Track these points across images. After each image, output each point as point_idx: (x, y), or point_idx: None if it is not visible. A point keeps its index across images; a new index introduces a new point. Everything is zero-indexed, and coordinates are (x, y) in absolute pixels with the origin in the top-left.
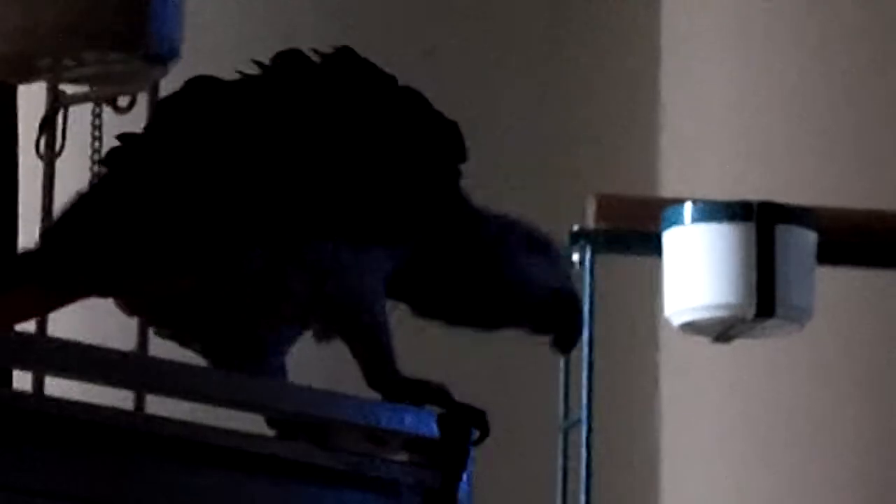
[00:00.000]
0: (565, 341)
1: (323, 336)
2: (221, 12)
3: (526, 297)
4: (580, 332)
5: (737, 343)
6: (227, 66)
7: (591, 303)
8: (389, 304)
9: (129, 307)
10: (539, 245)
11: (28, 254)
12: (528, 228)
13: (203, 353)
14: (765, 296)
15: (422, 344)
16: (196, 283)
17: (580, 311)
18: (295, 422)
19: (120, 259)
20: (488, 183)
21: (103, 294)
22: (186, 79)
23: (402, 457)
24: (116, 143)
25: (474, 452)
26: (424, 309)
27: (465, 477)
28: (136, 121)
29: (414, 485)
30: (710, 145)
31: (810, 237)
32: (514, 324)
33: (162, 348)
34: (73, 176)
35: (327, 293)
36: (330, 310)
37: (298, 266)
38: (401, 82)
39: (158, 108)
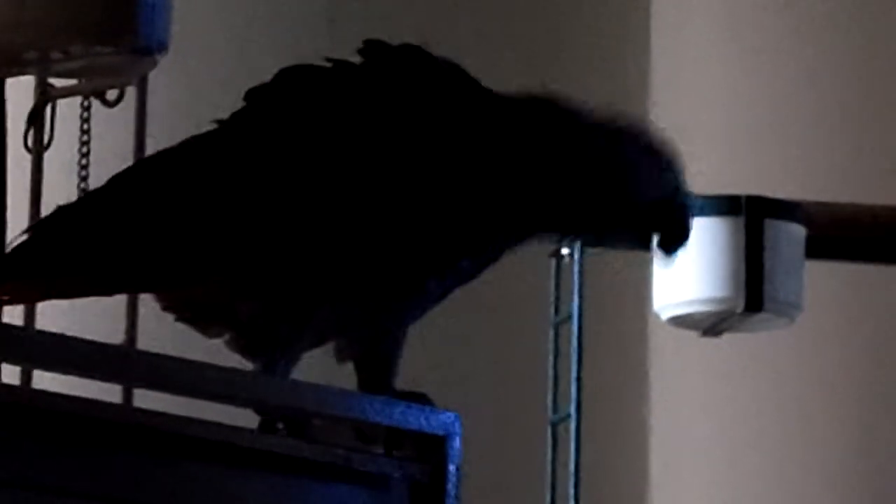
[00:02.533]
0: (669, 244)
1: (345, 357)
2: (209, 5)
3: (635, 203)
4: (685, 238)
5: (726, 337)
6: (216, 58)
7: (581, 297)
8: None
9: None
10: (650, 151)
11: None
12: (641, 135)
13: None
14: (753, 290)
15: (412, 340)
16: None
17: (686, 218)
18: (279, 414)
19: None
20: None
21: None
22: (178, 72)
23: (379, 450)
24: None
25: (462, 447)
26: (534, 220)
27: (453, 471)
28: (124, 114)
29: (402, 478)
30: (698, 140)
31: (799, 232)
32: (624, 227)
33: (150, 342)
34: (62, 169)
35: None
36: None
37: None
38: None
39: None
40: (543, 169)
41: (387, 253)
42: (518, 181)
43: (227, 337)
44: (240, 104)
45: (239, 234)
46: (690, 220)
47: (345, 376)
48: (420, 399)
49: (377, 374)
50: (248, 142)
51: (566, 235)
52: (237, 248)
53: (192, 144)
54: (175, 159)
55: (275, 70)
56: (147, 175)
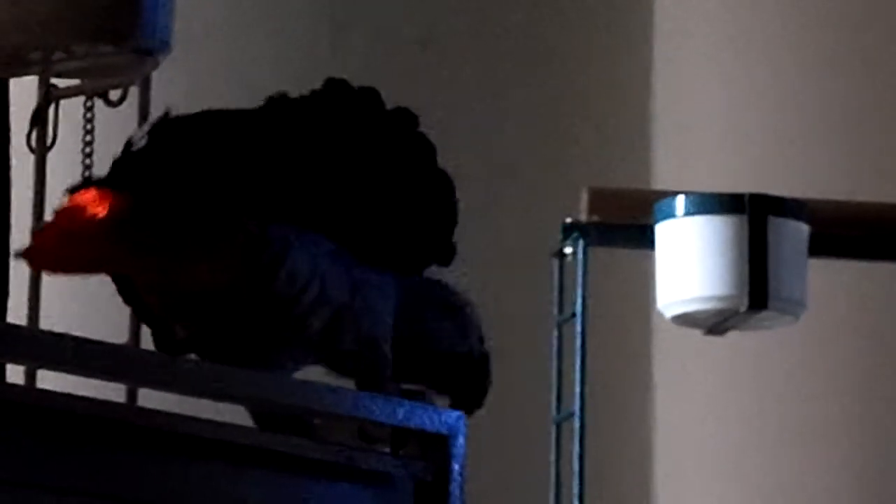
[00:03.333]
0: (464, 403)
1: (338, 369)
2: (212, 4)
3: (428, 359)
4: (480, 400)
5: (730, 335)
6: (218, 58)
7: (584, 296)
8: None
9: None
10: (450, 309)
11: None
12: (443, 292)
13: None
14: (757, 288)
15: None
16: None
17: (481, 380)
18: (281, 415)
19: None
20: (482, 176)
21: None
22: (180, 71)
23: (384, 449)
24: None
25: (467, 446)
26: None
27: (457, 470)
28: (127, 114)
29: (406, 477)
30: (702, 138)
31: (803, 229)
32: (417, 381)
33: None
34: (65, 169)
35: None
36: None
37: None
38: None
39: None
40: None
41: None
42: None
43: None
44: (239, 103)
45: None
46: (488, 380)
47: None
48: (419, 397)
49: (371, 372)
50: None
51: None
52: None
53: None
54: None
55: (276, 70)
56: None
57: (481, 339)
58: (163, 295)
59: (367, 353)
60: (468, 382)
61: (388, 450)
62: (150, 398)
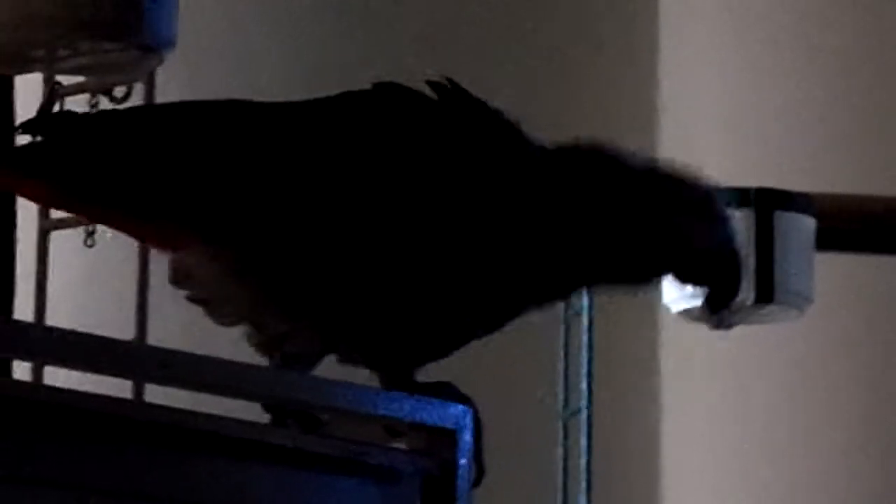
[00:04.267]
0: (716, 300)
1: (348, 360)
2: (216, 1)
3: (680, 256)
4: (733, 294)
5: (736, 330)
6: (222, 55)
7: (590, 292)
8: None
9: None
10: (695, 203)
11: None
12: (686, 186)
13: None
14: (764, 282)
15: None
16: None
17: (734, 273)
18: (290, 409)
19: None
20: None
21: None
22: (184, 68)
23: (402, 444)
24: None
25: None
26: (571, 274)
27: (464, 465)
28: None
29: (413, 472)
30: (707, 132)
31: (809, 223)
32: (668, 276)
33: (161, 338)
34: None
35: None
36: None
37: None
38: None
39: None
40: (596, 221)
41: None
42: (571, 237)
43: (245, 330)
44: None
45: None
46: (741, 274)
47: (355, 371)
48: (445, 389)
49: (397, 370)
50: (295, 126)
51: (614, 286)
52: (233, 215)
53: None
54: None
55: (280, 67)
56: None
57: (727, 233)
58: None
59: None
60: (718, 278)
61: (397, 445)
62: (156, 394)
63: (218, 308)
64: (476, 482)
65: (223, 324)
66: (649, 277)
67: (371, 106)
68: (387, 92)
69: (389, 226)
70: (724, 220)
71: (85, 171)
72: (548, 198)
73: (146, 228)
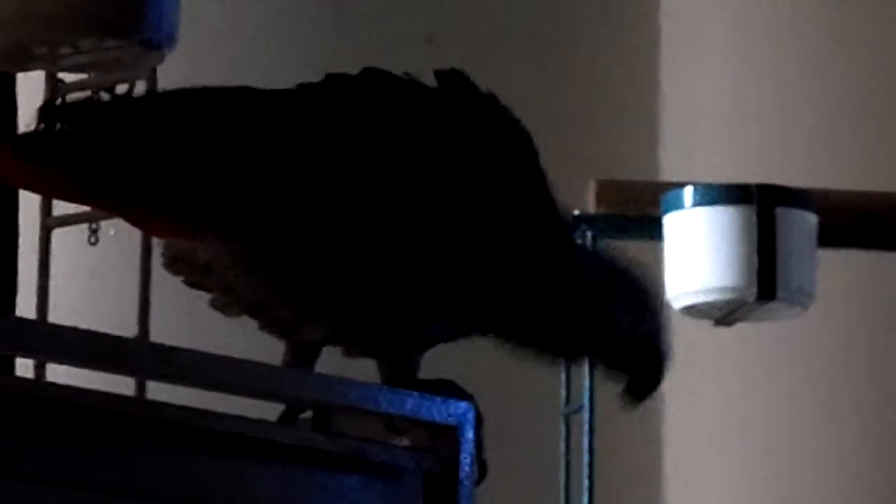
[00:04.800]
0: (635, 391)
1: (354, 355)
2: None
3: (611, 340)
4: (653, 387)
5: (739, 326)
6: (224, 51)
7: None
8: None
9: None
10: (638, 293)
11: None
12: (632, 274)
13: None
14: (766, 279)
15: None
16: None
17: (656, 367)
18: (298, 406)
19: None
20: None
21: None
22: (186, 65)
23: (404, 441)
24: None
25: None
26: (504, 332)
27: (466, 461)
28: None
29: (416, 469)
30: (709, 129)
31: (811, 219)
32: (592, 357)
33: (163, 335)
34: None
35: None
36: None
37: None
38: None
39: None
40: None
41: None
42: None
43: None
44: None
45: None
46: (664, 370)
47: (359, 367)
48: (447, 387)
49: (398, 368)
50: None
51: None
52: (225, 200)
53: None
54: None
55: (282, 63)
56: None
57: (661, 327)
58: None
59: None
60: (642, 369)
61: (398, 442)
62: (158, 391)
63: (218, 296)
64: (479, 480)
65: (226, 313)
66: (571, 354)
67: (358, 93)
68: (372, 78)
69: (383, 210)
70: (656, 314)
71: (96, 160)
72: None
73: (155, 219)
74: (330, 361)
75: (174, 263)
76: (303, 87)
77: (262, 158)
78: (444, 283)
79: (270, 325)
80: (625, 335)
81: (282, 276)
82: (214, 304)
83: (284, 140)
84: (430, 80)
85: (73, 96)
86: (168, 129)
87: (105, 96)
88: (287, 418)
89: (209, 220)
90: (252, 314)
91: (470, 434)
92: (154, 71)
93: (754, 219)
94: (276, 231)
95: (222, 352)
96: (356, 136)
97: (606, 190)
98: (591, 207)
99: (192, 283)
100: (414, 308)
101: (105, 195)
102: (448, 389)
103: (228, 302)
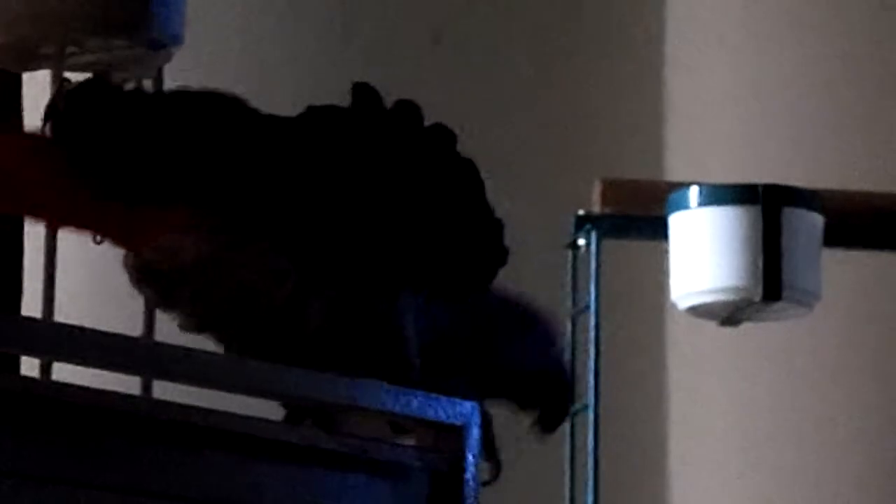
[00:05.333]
0: (547, 422)
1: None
2: None
3: (510, 375)
4: (563, 415)
5: (744, 326)
6: (231, 51)
7: (597, 287)
8: None
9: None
10: (530, 323)
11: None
12: (522, 305)
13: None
14: (771, 279)
15: None
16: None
17: (564, 394)
18: (304, 406)
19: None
20: (494, 169)
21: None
22: (193, 65)
23: (410, 440)
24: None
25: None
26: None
27: (472, 461)
28: None
29: (422, 468)
30: (715, 129)
31: (817, 220)
32: (499, 397)
33: (169, 334)
34: None
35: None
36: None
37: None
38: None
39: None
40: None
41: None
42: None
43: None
44: (251, 97)
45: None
46: (571, 396)
47: None
48: (454, 386)
49: (396, 366)
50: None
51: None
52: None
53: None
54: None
55: (288, 63)
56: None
57: (558, 354)
58: None
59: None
60: (549, 399)
61: (404, 441)
62: (164, 390)
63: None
64: (494, 477)
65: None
66: (480, 397)
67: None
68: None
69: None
70: (551, 341)
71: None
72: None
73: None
74: None
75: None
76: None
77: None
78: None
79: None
80: (530, 371)
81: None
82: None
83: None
84: (431, 81)
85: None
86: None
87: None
88: (292, 418)
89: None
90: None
91: (476, 433)
92: (160, 71)
93: (760, 219)
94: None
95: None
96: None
97: (612, 190)
98: (597, 207)
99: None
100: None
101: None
102: (454, 388)
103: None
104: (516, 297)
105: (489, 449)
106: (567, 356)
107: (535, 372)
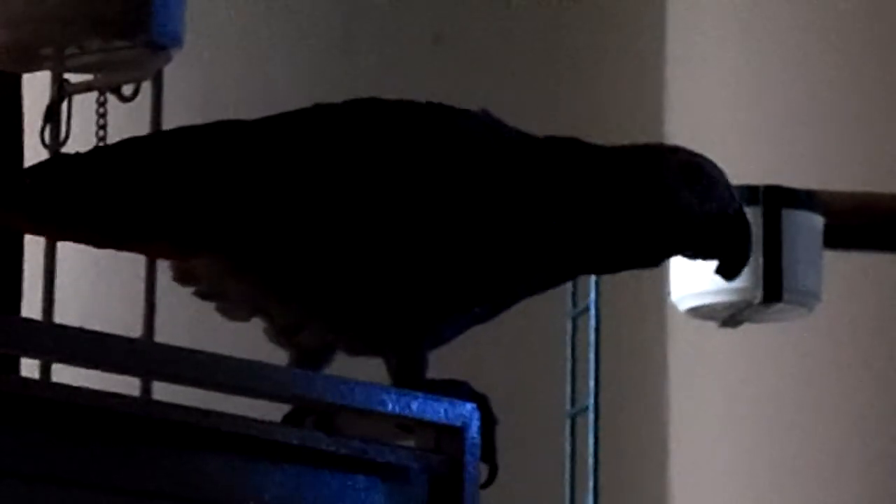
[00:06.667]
0: (729, 268)
1: (357, 353)
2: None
3: (685, 230)
4: (745, 258)
5: (744, 327)
6: (230, 53)
7: (597, 289)
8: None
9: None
10: (693, 173)
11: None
12: (679, 158)
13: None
14: (772, 280)
15: None
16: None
17: (744, 236)
18: (305, 407)
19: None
20: None
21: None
22: (193, 66)
23: (409, 442)
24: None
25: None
26: (582, 261)
27: (471, 462)
28: (140, 109)
29: (421, 470)
30: (715, 130)
31: (817, 221)
32: (679, 253)
33: (169, 335)
34: None
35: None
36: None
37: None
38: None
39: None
40: (590, 204)
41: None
42: (564, 220)
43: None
44: (252, 98)
45: (235, 212)
46: (750, 234)
47: (366, 367)
48: (458, 388)
49: (406, 367)
50: (280, 137)
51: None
52: (230, 225)
53: (223, 124)
54: (200, 133)
55: (288, 64)
56: (169, 141)
57: (728, 198)
58: None
59: None
60: (728, 244)
61: (405, 443)
62: (164, 391)
63: (226, 303)
64: (489, 480)
65: (234, 318)
66: (655, 258)
67: (350, 116)
68: (360, 104)
69: (380, 219)
70: (716, 183)
71: (87, 208)
72: (532, 184)
73: (149, 248)
74: (337, 360)
75: (183, 279)
76: (289, 115)
77: (238, 178)
78: (437, 279)
79: (272, 331)
80: (697, 217)
81: (278, 278)
82: (220, 310)
83: (259, 159)
84: (431, 81)
85: (78, 98)
86: (157, 167)
87: (109, 100)
88: (292, 419)
89: (203, 243)
90: (256, 316)
91: (475, 435)
92: (160, 72)
93: (760, 220)
94: (269, 235)
95: (228, 352)
96: (334, 148)
97: None
98: None
99: (202, 294)
100: (410, 305)
101: (108, 233)
102: (458, 390)
103: (232, 307)
104: (668, 150)
105: (489, 452)
106: (736, 201)
107: (708, 215)
